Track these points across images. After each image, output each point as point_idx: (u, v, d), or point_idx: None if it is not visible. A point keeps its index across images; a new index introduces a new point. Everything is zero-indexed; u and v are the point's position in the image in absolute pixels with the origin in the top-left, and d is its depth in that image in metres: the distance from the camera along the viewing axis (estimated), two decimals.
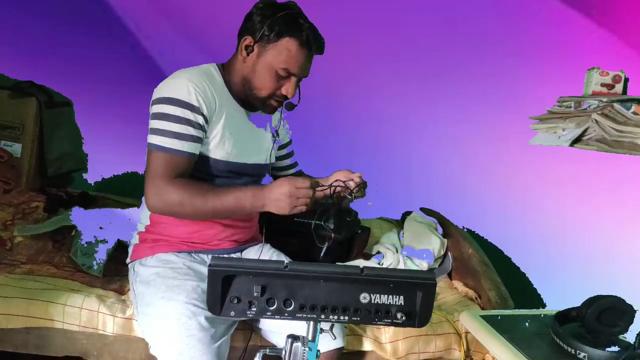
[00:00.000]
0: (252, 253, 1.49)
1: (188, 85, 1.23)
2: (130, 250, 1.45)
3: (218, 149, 1.32)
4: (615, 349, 1.15)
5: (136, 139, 2.82)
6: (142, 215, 1.44)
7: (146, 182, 1.23)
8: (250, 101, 1.35)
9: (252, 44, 1.28)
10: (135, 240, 1.44)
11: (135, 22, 2.78)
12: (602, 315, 1.17)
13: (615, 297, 1.19)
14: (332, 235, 1.56)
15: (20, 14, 2.67)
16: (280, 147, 1.59)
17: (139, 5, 2.77)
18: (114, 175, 2.96)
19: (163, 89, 1.25)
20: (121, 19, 2.76)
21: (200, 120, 1.24)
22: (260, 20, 1.26)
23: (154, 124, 1.24)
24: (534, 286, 2.20)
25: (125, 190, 2.66)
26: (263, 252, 1.51)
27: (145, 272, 1.34)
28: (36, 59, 2.72)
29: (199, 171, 1.31)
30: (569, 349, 1.17)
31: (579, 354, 1.15)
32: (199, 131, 1.25)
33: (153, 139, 1.23)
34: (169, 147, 1.22)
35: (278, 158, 1.60)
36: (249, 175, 1.43)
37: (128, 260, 1.45)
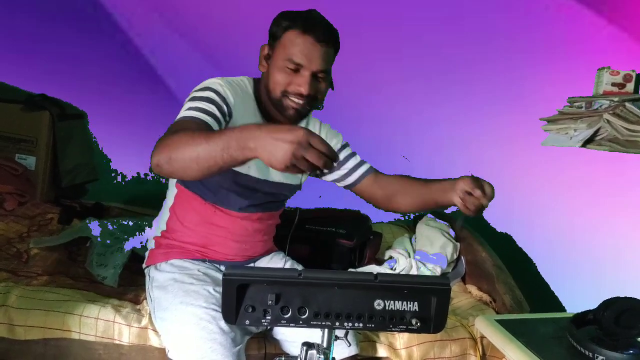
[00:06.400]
0: (265, 261, 1.50)
1: (218, 80, 1.23)
2: (146, 254, 1.46)
3: None
4: (634, 351, 1.13)
5: (128, 139, 2.80)
6: (160, 220, 1.44)
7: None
8: (274, 113, 1.30)
9: (267, 51, 1.28)
10: (151, 244, 1.45)
11: (126, 20, 2.70)
12: (620, 318, 1.16)
13: (633, 298, 1.18)
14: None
15: (3, 10, 2.58)
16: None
17: (130, 1, 2.69)
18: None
19: (196, 87, 1.24)
20: (111, 15, 2.67)
21: (225, 108, 1.18)
22: (272, 25, 1.27)
23: (181, 109, 1.16)
24: (544, 290, 2.18)
25: (118, 192, 2.65)
26: (276, 261, 1.51)
27: (161, 277, 1.35)
28: (21, 57, 2.64)
29: (203, 182, 1.30)
30: (587, 353, 1.15)
31: (597, 357, 1.13)
32: (222, 117, 1.17)
33: (176, 118, 1.14)
34: (188, 116, 1.11)
35: (339, 167, 1.45)
36: (265, 193, 1.38)
37: (144, 266, 1.46)
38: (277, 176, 1.38)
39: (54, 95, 2.46)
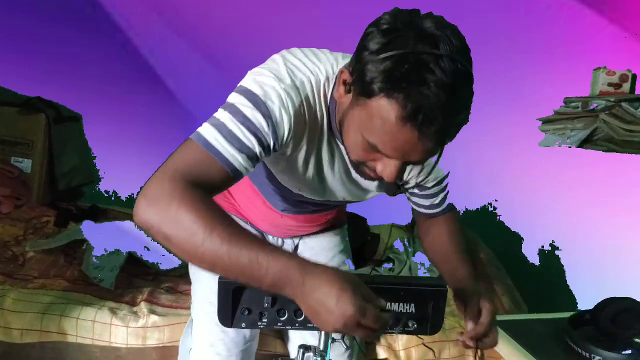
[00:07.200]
0: (314, 241, 1.35)
1: (282, 93, 0.83)
2: None
3: (282, 175, 1.01)
4: (631, 351, 1.13)
5: (128, 140, 2.77)
6: None
7: (156, 171, 0.77)
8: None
9: (349, 82, 0.79)
10: None
11: (125, 19, 2.69)
12: (616, 318, 1.16)
13: (630, 299, 1.18)
14: None
15: (3, 10, 2.58)
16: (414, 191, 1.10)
17: (129, 1, 2.68)
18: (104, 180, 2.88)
19: (251, 77, 0.85)
20: (110, 15, 2.67)
21: (269, 144, 0.83)
22: (368, 54, 0.74)
23: (217, 112, 0.83)
24: (544, 290, 2.17)
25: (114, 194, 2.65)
26: (327, 241, 1.36)
27: None
28: (21, 57, 2.64)
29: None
30: (584, 353, 1.15)
31: (594, 357, 1.13)
32: (263, 153, 0.83)
33: (201, 127, 0.81)
34: (213, 145, 0.79)
35: (417, 196, 1.11)
36: (318, 204, 1.14)
37: None
38: (336, 195, 1.07)
39: (53, 95, 2.45)
